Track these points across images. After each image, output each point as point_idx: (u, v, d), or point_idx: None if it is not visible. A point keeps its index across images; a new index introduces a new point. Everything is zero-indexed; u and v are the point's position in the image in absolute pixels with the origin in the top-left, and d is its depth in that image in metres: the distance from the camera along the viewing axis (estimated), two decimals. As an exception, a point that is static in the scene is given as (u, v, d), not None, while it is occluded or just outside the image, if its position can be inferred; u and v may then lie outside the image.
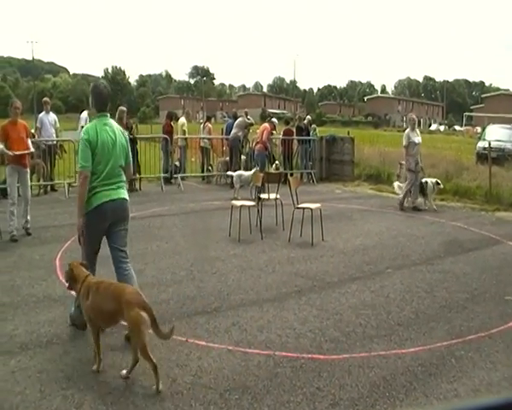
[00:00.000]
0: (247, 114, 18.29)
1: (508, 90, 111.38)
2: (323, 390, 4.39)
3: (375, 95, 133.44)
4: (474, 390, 4.50)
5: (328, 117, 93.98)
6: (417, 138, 13.38)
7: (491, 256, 9.06)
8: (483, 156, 21.16)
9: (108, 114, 5.62)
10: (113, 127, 5.51)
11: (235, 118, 18.29)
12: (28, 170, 9.82)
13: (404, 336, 5.55)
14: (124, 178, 5.62)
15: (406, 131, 13.84)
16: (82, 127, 15.75)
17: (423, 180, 13.67)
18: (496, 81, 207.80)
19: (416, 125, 13.92)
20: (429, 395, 4.39)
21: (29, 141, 9.77)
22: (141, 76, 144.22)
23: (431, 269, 8.11)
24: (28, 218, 9.70)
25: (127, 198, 5.62)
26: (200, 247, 9.00)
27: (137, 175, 16.09)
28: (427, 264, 8.39)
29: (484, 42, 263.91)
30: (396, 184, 14.55)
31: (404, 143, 13.32)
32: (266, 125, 16.18)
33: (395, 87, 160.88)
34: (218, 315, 5.98)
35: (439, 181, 14.02)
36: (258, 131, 16.70)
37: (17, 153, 9.30)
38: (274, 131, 17.57)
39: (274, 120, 16.79)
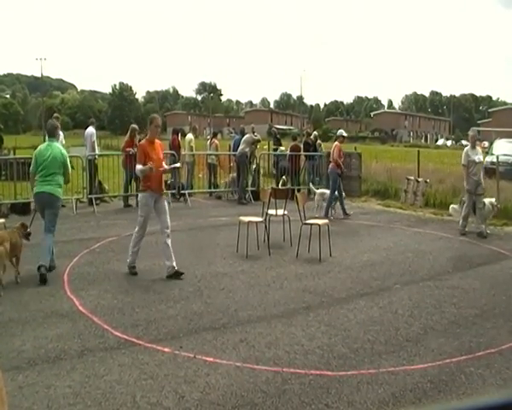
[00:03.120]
0: (253, 130, 18.32)
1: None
2: (332, 407, 4.36)
3: (381, 110, 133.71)
4: None
5: (334, 133, 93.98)
6: (477, 157, 12.16)
7: (499, 271, 9.02)
8: (491, 171, 21.11)
9: (54, 139, 8.73)
10: (52, 146, 8.40)
11: (243, 134, 18.32)
12: (164, 196, 8.85)
13: (412, 353, 5.51)
14: (56, 178, 8.29)
15: (466, 148, 12.61)
16: (94, 142, 15.99)
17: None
18: (503, 95, 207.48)
19: (477, 143, 12.59)
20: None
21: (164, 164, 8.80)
22: (148, 92, 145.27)
23: (439, 285, 8.07)
24: (172, 258, 8.09)
25: (52, 192, 8.21)
26: (207, 263, 9.00)
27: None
28: (435, 279, 8.35)
29: (490, 56, 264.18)
30: (452, 206, 13.69)
31: (463, 162, 12.19)
32: (336, 142, 14.97)
33: (402, 102, 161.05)
34: (226, 331, 5.97)
35: (494, 202, 12.75)
36: (333, 150, 14.89)
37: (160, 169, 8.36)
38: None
39: (341, 131, 15.55)
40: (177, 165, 9.28)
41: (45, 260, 7.85)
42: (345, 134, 15.19)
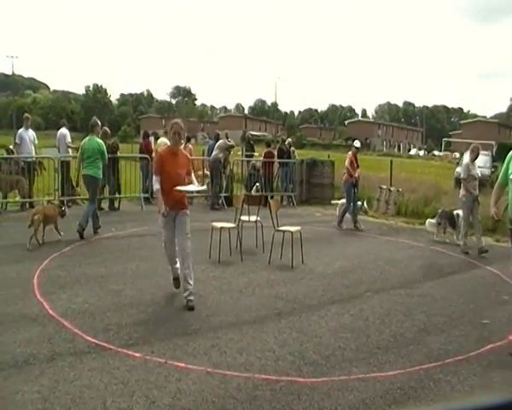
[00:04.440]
0: (227, 136, 18.32)
1: (485, 117, 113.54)
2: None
3: (355, 119, 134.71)
4: None
5: (308, 140, 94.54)
6: (476, 171, 11.75)
7: (469, 280, 9.17)
8: (460, 181, 21.44)
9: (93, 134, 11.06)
10: (92, 140, 11.14)
11: (217, 139, 18.32)
12: (187, 211, 7.27)
13: (383, 360, 5.57)
14: (96, 163, 11.17)
15: (466, 161, 12.12)
16: (69, 142, 15.81)
17: (455, 212, 12.48)
18: (474, 108, 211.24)
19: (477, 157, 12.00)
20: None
21: (193, 179, 7.30)
22: (122, 95, 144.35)
23: (410, 293, 8.16)
24: (191, 282, 7.01)
25: (93, 174, 11.14)
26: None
27: (117, 194, 16.06)
28: (405, 288, 8.45)
29: (463, 69, 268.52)
30: (428, 220, 13.40)
31: (463, 175, 11.68)
32: (350, 152, 14.48)
33: (375, 112, 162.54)
34: (198, 337, 5.95)
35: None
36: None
37: (178, 189, 6.98)
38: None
39: (356, 143, 14.92)
40: (196, 188, 7.40)
41: (83, 221, 10.92)
42: (358, 145, 14.75)
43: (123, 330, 6.00)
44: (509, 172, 6.25)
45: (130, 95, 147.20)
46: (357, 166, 14.25)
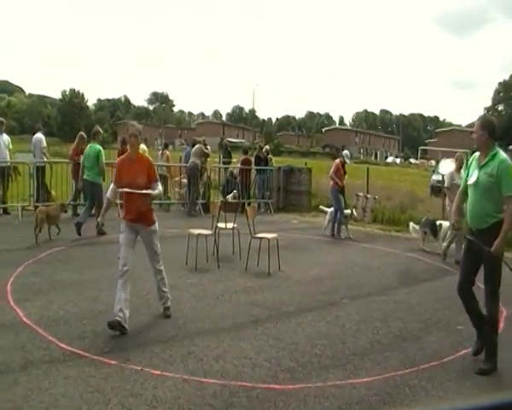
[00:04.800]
0: (205, 142, 18.29)
1: (460, 125, 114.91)
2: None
3: (332, 126, 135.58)
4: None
5: (286, 147, 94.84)
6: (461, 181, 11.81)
7: (444, 286, 9.24)
8: (437, 189, 21.75)
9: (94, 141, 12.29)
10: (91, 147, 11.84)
11: (194, 145, 18.30)
12: (153, 228, 6.72)
13: (359, 366, 5.60)
14: (94, 169, 12.13)
15: (450, 170, 11.91)
16: (44, 147, 15.63)
17: (438, 222, 12.47)
18: (449, 117, 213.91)
19: (462, 166, 11.54)
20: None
21: (157, 186, 6.60)
22: (99, 100, 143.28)
23: (386, 299, 8.23)
24: (165, 289, 6.84)
25: (91, 179, 12.15)
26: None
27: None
28: (381, 294, 8.51)
29: (438, 79, 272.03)
30: (411, 224, 13.53)
31: (447, 185, 11.58)
32: (337, 160, 14.46)
33: (353, 119, 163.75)
34: (174, 344, 5.93)
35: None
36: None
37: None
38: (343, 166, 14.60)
39: (345, 152, 14.79)
40: (147, 192, 6.44)
41: (82, 218, 12.10)
42: (348, 159, 14.53)
43: (99, 337, 5.95)
44: (468, 177, 6.12)
45: (108, 100, 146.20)
46: (345, 174, 14.30)
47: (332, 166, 14.28)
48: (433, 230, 12.42)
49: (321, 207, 15.76)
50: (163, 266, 6.91)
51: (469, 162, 6.16)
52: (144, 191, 6.39)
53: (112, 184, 6.84)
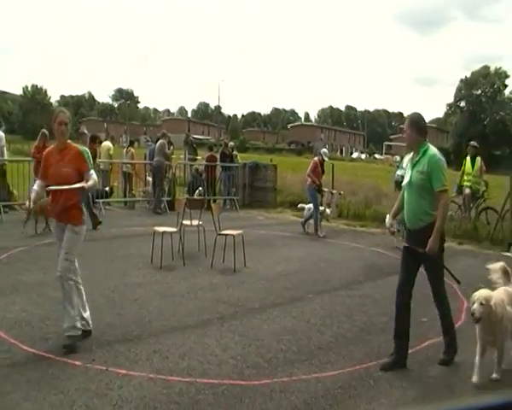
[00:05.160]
0: (170, 140, 18.13)
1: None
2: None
3: (298, 122, 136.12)
4: (391, 409, 4.65)
5: (251, 144, 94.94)
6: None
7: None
8: (401, 184, 21.95)
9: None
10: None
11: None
12: (76, 229, 5.84)
13: (324, 360, 5.65)
14: None
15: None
16: (3, 146, 15.35)
17: None
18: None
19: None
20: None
21: (91, 175, 5.91)
22: (62, 96, 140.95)
23: (350, 294, 8.31)
24: (71, 312, 5.74)
25: None
26: (120, 273, 8.83)
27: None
28: (346, 289, 8.60)
29: (402, 75, 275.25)
30: (388, 216, 13.13)
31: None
32: (316, 158, 14.44)
33: (318, 115, 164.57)
34: (139, 343, 5.89)
35: None
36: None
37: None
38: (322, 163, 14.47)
39: (323, 151, 14.69)
40: (80, 185, 5.72)
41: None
42: (326, 157, 14.45)
43: (62, 338, 5.86)
44: (405, 177, 5.94)
45: (71, 97, 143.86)
46: (323, 172, 14.30)
47: (309, 165, 14.22)
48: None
49: (299, 205, 15.57)
50: (72, 284, 5.83)
51: (406, 163, 6.16)
52: (73, 186, 5.65)
53: (38, 180, 6.21)
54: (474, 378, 5.20)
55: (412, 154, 5.81)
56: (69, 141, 6.02)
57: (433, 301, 5.93)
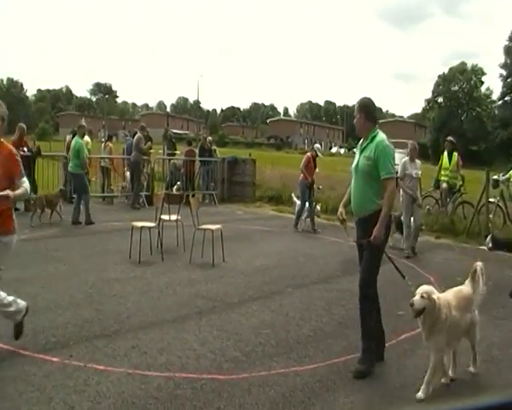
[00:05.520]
0: (148, 134, 18.05)
1: (402, 117, 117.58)
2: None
3: (277, 117, 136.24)
4: (368, 402, 4.72)
5: (231, 138, 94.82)
6: (415, 171, 11.09)
7: (385, 273, 9.29)
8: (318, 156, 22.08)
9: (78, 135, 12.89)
10: (74, 140, 12.53)
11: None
12: (5, 239, 5.23)
13: (302, 354, 5.68)
14: (75, 161, 13.45)
15: (404, 160, 11.48)
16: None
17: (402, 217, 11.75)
18: (392, 108, 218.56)
19: (416, 156, 11.45)
20: (325, 409, 4.53)
21: (23, 185, 5.15)
22: (39, 90, 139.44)
23: (329, 288, 8.36)
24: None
25: (72, 171, 13.61)
26: (99, 269, 8.78)
27: (33, 194, 15.51)
28: (325, 283, 8.64)
29: (381, 71, 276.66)
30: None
31: (399, 175, 10.91)
32: (308, 153, 14.23)
33: (297, 110, 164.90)
34: (118, 338, 5.87)
35: (422, 221, 11.87)
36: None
37: None
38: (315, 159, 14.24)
39: (317, 146, 14.59)
40: (4, 193, 4.85)
41: (86, 214, 13.07)
42: (320, 152, 14.36)
43: (39, 334, 5.83)
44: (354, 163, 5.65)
45: (48, 91, 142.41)
46: (315, 168, 14.13)
47: (302, 160, 14.04)
48: (399, 225, 11.85)
49: (292, 195, 15.24)
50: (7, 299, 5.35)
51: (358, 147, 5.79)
52: (1, 193, 4.88)
53: None
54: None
55: (362, 140, 5.60)
56: (2, 139, 5.25)
57: (359, 295, 5.79)
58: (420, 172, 11.32)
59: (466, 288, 5.30)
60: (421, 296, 4.86)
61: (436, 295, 4.94)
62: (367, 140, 5.47)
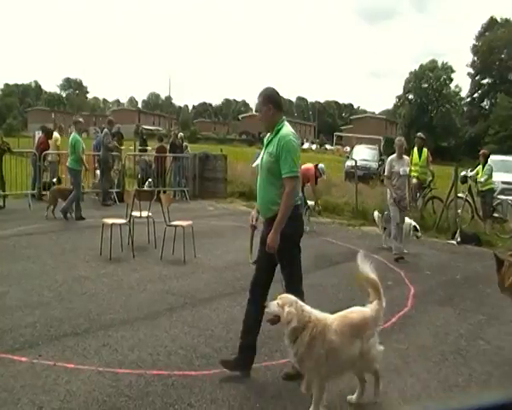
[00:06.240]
0: (111, 123, 17.85)
1: (373, 113, 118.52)
2: (195, 406, 4.42)
3: (249, 113, 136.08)
4: (339, 394, 4.76)
5: (202, 134, 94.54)
6: (403, 168, 10.54)
7: (343, 269, 9.55)
8: (350, 174, 22.41)
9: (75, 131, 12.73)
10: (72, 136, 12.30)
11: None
12: None
13: (273, 348, 5.71)
14: (72, 156, 13.43)
15: (390, 157, 11.05)
16: None
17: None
18: (363, 104, 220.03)
19: (404, 152, 10.96)
20: (296, 402, 4.58)
21: None
22: (7, 85, 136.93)
23: (300, 283, 8.39)
24: None
25: (69, 166, 13.61)
26: (68, 267, 8.70)
27: (1, 191, 15.28)
28: (296, 278, 8.66)
29: (353, 67, 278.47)
30: (376, 214, 12.54)
31: (386, 173, 10.83)
32: (312, 171, 13.46)
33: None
34: (88, 336, 5.83)
35: (417, 226, 11.45)
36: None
37: None
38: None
39: (321, 166, 13.81)
40: None
41: (66, 206, 13.16)
42: (324, 174, 14.01)
43: (7, 334, 5.75)
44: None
45: (16, 85, 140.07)
46: (316, 184, 13.80)
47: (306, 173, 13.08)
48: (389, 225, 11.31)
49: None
50: None
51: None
52: None
53: None
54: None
55: (268, 134, 5.10)
56: None
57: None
58: (408, 170, 10.80)
59: (360, 311, 4.65)
60: (277, 304, 4.39)
61: (298, 310, 4.33)
62: (272, 134, 4.99)
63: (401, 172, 10.43)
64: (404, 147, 10.80)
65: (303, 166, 13.01)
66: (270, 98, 4.99)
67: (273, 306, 4.40)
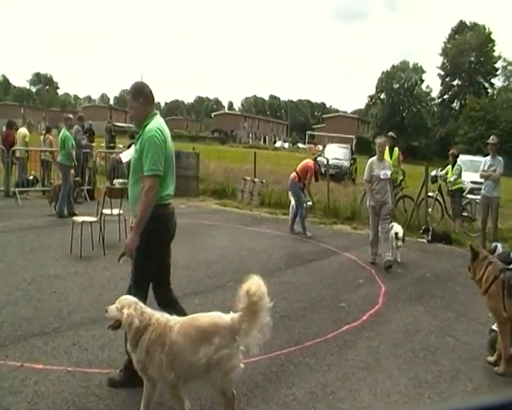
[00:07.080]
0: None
1: (346, 112, 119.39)
2: (165, 405, 4.38)
3: (222, 111, 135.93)
4: (310, 393, 4.78)
5: (175, 132, 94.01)
6: (383, 172, 9.89)
7: (328, 266, 9.61)
8: (322, 173, 22.49)
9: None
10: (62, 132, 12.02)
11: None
12: None
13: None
14: (62, 152, 13.33)
15: (370, 160, 10.30)
16: None
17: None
18: (336, 103, 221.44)
19: (384, 154, 10.38)
20: (269, 401, 4.59)
21: None
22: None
23: (272, 281, 8.37)
24: None
25: (60, 161, 13.62)
26: (38, 265, 8.56)
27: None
28: (268, 276, 8.58)
29: (326, 66, 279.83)
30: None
31: (365, 177, 10.14)
32: (311, 164, 12.88)
33: (242, 104, 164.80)
34: (58, 336, 5.74)
35: (400, 234, 10.38)
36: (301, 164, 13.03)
37: None
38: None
39: (320, 160, 13.76)
40: None
41: (60, 204, 13.17)
42: (323, 168, 14.14)
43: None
44: None
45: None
46: (317, 180, 13.52)
47: (301, 164, 13.03)
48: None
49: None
50: None
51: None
52: None
53: None
54: None
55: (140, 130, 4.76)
56: None
57: None
58: (389, 173, 10.07)
59: (213, 315, 4.28)
60: (116, 307, 4.09)
61: (138, 311, 4.04)
62: (141, 129, 4.72)
63: (381, 176, 9.85)
64: (384, 148, 10.34)
65: (302, 162, 13.11)
66: (141, 92, 4.78)
67: (112, 310, 4.11)
